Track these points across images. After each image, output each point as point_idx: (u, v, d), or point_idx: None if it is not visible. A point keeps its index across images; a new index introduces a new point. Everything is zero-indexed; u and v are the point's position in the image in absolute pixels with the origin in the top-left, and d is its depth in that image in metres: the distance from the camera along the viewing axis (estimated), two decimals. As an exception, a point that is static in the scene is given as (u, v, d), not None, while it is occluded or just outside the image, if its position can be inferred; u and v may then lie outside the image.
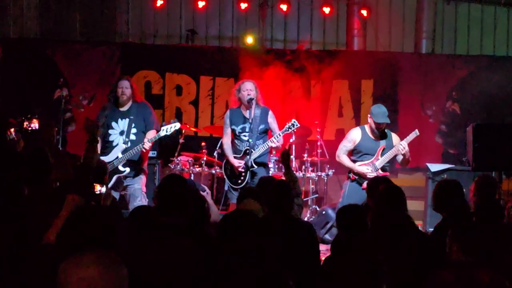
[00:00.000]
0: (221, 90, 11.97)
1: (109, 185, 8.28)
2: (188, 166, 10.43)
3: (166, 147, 10.81)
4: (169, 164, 10.39)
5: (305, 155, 10.70)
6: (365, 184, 8.20)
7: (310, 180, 10.79)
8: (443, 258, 4.15)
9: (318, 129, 10.94)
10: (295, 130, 8.69)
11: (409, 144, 8.62)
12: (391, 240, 4.84)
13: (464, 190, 5.91)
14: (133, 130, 8.51)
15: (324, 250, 7.35)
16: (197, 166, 10.50)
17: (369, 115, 8.72)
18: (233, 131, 8.71)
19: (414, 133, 8.58)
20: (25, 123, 7.74)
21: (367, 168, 8.49)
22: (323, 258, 5.31)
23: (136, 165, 8.51)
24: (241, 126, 8.65)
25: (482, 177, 6.70)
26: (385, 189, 5.63)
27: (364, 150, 8.61)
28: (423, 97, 12.25)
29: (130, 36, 13.05)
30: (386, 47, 13.07)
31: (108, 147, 8.50)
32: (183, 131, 10.46)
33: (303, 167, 10.66)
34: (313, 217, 10.23)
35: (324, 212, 9.84)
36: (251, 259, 3.53)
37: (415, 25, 13.04)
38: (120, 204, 8.21)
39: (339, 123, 12.06)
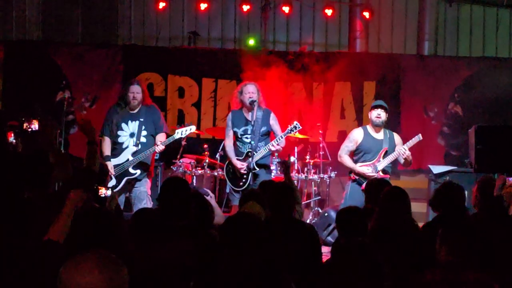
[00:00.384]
0: (224, 92, 11.96)
1: (119, 187, 8.30)
2: (190, 168, 10.43)
3: (168, 150, 10.79)
4: (171, 167, 10.39)
5: (308, 157, 10.69)
6: (367, 181, 8.24)
7: (313, 182, 10.78)
8: (430, 257, 4.15)
9: (320, 131, 10.93)
10: (297, 132, 8.68)
11: (412, 146, 8.63)
12: (394, 243, 4.83)
13: (466, 192, 5.90)
14: (143, 133, 8.49)
15: (326, 252, 7.33)
16: (200, 168, 10.50)
17: (369, 112, 8.83)
18: (235, 133, 8.71)
19: (417, 138, 8.61)
20: (25, 124, 7.74)
21: (368, 169, 8.50)
22: (325, 260, 5.31)
23: (145, 167, 8.51)
24: (243, 128, 8.65)
25: (484, 178, 6.69)
26: (390, 192, 5.62)
27: (366, 150, 8.63)
28: (426, 99, 12.23)
29: (132, 38, 13.05)
30: (388, 49, 13.07)
31: (117, 149, 8.49)
32: (186, 133, 10.46)
33: (306, 169, 10.66)
34: (315, 219, 10.21)
35: (326, 214, 9.83)
36: (254, 261, 3.54)
37: (417, 27, 13.03)
38: (124, 207, 8.24)
39: (341, 125, 12.05)
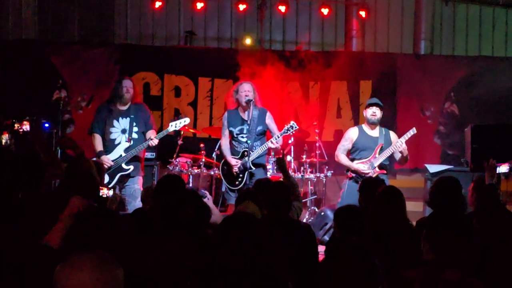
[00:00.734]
0: (220, 92, 11.96)
1: (112, 184, 8.31)
2: (186, 168, 10.42)
3: (165, 149, 10.80)
4: (167, 166, 10.38)
5: (304, 156, 10.70)
6: (361, 180, 8.26)
7: (309, 181, 10.78)
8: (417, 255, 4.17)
9: (316, 130, 10.94)
10: (293, 132, 8.68)
11: (408, 145, 8.63)
12: (388, 243, 4.83)
13: (463, 191, 5.90)
14: (135, 129, 8.53)
15: (323, 251, 7.33)
16: (196, 167, 10.50)
17: (363, 111, 8.85)
18: (231, 132, 8.70)
19: (412, 131, 8.60)
20: (16, 125, 7.76)
21: (364, 166, 8.51)
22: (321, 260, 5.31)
23: (138, 164, 8.57)
24: (239, 127, 8.65)
25: (481, 177, 6.69)
26: (384, 192, 5.62)
27: (362, 147, 8.64)
28: (422, 98, 12.25)
29: (128, 37, 13.05)
30: (384, 48, 13.08)
31: (110, 145, 8.50)
32: (182, 132, 10.46)
33: (302, 168, 10.66)
34: (312, 218, 10.22)
35: (322, 213, 9.83)
36: (250, 260, 3.54)
37: (414, 26, 13.06)
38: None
39: (338, 124, 12.05)
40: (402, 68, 12.32)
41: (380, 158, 8.54)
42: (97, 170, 7.11)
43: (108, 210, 4.94)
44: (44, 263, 3.49)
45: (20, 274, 3.53)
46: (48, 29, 12.69)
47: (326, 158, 10.69)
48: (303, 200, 10.50)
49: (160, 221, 4.43)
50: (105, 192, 5.45)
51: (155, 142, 8.42)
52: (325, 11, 12.57)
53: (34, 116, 8.18)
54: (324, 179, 10.66)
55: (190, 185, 10.41)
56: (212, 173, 10.48)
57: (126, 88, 8.57)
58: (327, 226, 9.48)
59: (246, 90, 8.60)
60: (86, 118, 10.58)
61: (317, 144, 10.77)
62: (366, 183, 6.51)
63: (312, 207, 10.64)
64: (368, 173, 8.40)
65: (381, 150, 8.57)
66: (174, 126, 8.61)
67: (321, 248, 5.75)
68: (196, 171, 10.43)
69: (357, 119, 11.80)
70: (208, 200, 6.47)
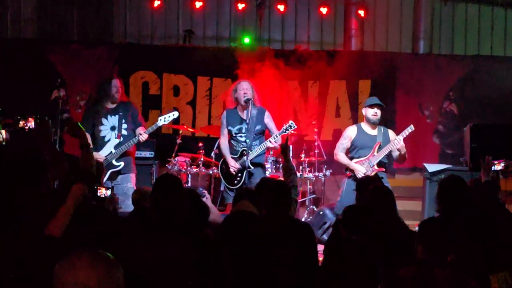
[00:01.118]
0: (219, 91, 11.96)
1: (104, 181, 8.32)
2: (185, 167, 10.41)
3: (164, 148, 10.80)
4: (166, 165, 10.38)
5: (303, 155, 10.69)
6: (359, 179, 8.27)
7: (308, 181, 10.78)
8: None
9: (315, 130, 10.93)
10: (292, 131, 8.67)
11: (406, 144, 8.63)
12: (378, 241, 4.83)
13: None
14: (124, 126, 8.59)
15: (322, 250, 7.34)
16: (195, 166, 10.49)
17: (363, 109, 8.81)
18: (229, 132, 8.70)
19: (409, 128, 8.58)
20: (21, 122, 7.73)
21: (362, 164, 8.50)
22: (321, 259, 5.31)
23: (129, 160, 8.62)
24: (237, 127, 8.65)
25: (477, 179, 6.70)
26: (373, 189, 5.66)
27: (360, 145, 8.63)
28: (421, 97, 12.25)
29: (127, 36, 13.05)
30: (383, 47, 13.09)
31: (100, 143, 8.56)
32: (181, 131, 10.46)
33: (301, 167, 10.65)
34: (311, 217, 10.22)
35: (321, 213, 9.83)
36: (252, 260, 3.54)
37: (413, 25, 13.06)
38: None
39: (337, 123, 12.05)
40: (401, 67, 12.32)
41: (379, 156, 8.53)
42: (100, 170, 7.16)
43: (107, 210, 4.94)
44: (47, 253, 3.49)
45: (22, 264, 3.54)
46: (47, 28, 12.68)
47: (325, 157, 10.69)
48: (302, 200, 10.53)
49: (158, 221, 4.43)
50: (103, 192, 5.43)
51: (144, 137, 8.45)
52: (324, 10, 12.58)
53: (38, 114, 8.16)
54: (323, 178, 10.65)
55: (189, 184, 10.41)
56: (211, 172, 10.47)
57: (116, 88, 8.66)
58: (326, 225, 9.49)
59: (245, 88, 8.60)
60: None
61: (316, 143, 10.77)
62: (363, 184, 6.52)
63: (311, 206, 10.64)
64: (363, 173, 8.40)
65: (379, 148, 8.56)
66: (163, 120, 8.65)
67: (320, 247, 5.75)
68: (194, 170, 10.43)
69: (356, 118, 11.79)
70: (207, 199, 6.47)
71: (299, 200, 10.53)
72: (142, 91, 11.92)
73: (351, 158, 8.66)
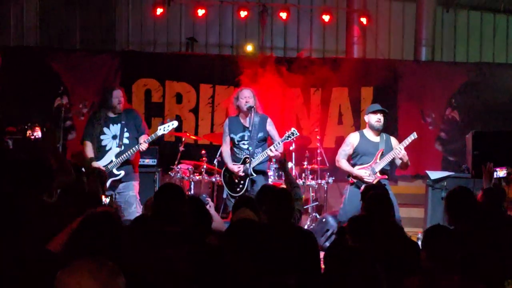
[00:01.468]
0: (221, 98, 11.97)
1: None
2: (188, 174, 10.42)
3: (166, 155, 10.81)
4: (169, 172, 10.38)
5: (305, 162, 10.69)
6: (363, 187, 8.26)
7: (310, 188, 10.78)
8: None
9: (318, 137, 10.93)
10: (294, 139, 8.66)
11: (409, 152, 8.61)
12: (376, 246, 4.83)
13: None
14: (126, 135, 8.55)
15: (323, 257, 7.35)
16: (197, 174, 10.49)
17: (365, 116, 8.78)
18: (232, 139, 8.70)
19: (412, 136, 8.55)
20: (28, 132, 7.75)
21: (365, 172, 8.48)
22: (323, 266, 5.31)
23: (130, 169, 8.57)
24: (240, 134, 8.64)
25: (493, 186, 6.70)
26: (369, 198, 5.69)
27: (363, 152, 8.59)
28: (423, 105, 12.26)
29: (130, 44, 13.08)
30: (385, 54, 13.11)
31: (101, 151, 8.53)
32: (183, 139, 10.47)
33: (303, 174, 10.65)
34: (313, 224, 10.21)
35: (324, 220, 9.82)
36: (256, 267, 3.55)
37: (415, 33, 13.07)
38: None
39: (339, 130, 12.06)
40: (403, 74, 12.33)
41: (381, 164, 8.51)
42: (100, 178, 7.15)
43: (114, 218, 4.95)
44: (44, 267, 3.49)
45: (20, 277, 3.54)
46: (50, 36, 12.72)
47: (328, 165, 10.69)
48: (305, 207, 10.52)
49: (160, 229, 4.44)
50: (103, 199, 5.45)
51: (144, 146, 8.41)
52: (326, 17, 12.60)
53: (44, 123, 8.18)
54: (326, 186, 10.64)
55: (192, 191, 10.41)
56: (214, 179, 10.47)
57: (118, 99, 8.61)
58: (329, 233, 9.47)
59: (246, 96, 8.59)
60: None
61: (319, 151, 10.76)
62: (366, 191, 6.51)
63: (314, 214, 10.64)
64: (368, 179, 8.38)
65: (382, 155, 8.55)
66: (162, 129, 8.59)
67: (323, 255, 5.76)
68: (197, 177, 10.43)
69: (358, 126, 11.78)
70: (210, 207, 6.47)
71: (301, 208, 10.55)
72: (145, 99, 11.93)
73: (353, 165, 8.63)
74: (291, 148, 10.53)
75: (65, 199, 5.01)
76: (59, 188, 5.30)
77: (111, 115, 8.62)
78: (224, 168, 8.85)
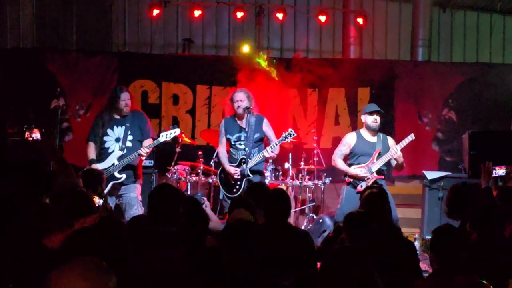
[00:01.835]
0: (218, 99, 11.95)
1: (105, 191, 8.29)
2: (185, 175, 10.42)
3: (163, 156, 10.80)
4: (166, 173, 10.38)
5: (302, 163, 10.68)
6: (359, 187, 8.26)
7: (307, 189, 10.76)
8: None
9: (314, 137, 10.93)
10: (291, 139, 8.66)
11: (406, 152, 8.63)
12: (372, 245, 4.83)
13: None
14: (129, 137, 8.50)
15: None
16: (194, 175, 10.49)
17: (362, 116, 8.77)
18: (228, 140, 8.70)
19: (410, 137, 8.56)
20: (27, 133, 7.74)
21: (361, 170, 8.48)
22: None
23: (132, 172, 8.51)
24: (236, 135, 8.64)
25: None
26: (364, 198, 5.70)
27: (360, 152, 8.60)
28: (420, 105, 12.25)
29: (126, 45, 13.09)
30: (382, 55, 13.12)
31: (104, 153, 8.48)
32: (180, 140, 10.46)
33: (300, 175, 10.65)
34: (310, 225, 10.21)
35: (321, 220, 9.82)
36: (254, 267, 3.55)
37: (411, 33, 13.07)
38: (115, 213, 8.21)
39: (336, 131, 12.04)
40: (400, 75, 12.31)
41: (378, 164, 8.52)
42: (99, 179, 7.15)
43: (115, 219, 4.95)
44: (40, 262, 3.50)
45: (21, 270, 3.55)
46: (46, 37, 12.70)
47: (324, 165, 10.67)
48: (302, 208, 10.53)
49: (155, 229, 4.44)
50: (96, 201, 5.44)
51: (144, 152, 8.37)
52: (322, 18, 12.60)
53: (41, 124, 8.18)
54: (322, 186, 10.63)
55: (189, 192, 10.41)
56: (210, 180, 10.46)
57: (125, 102, 8.54)
58: (326, 233, 9.47)
59: (239, 99, 8.58)
60: (84, 126, 10.54)
61: (315, 151, 10.75)
62: (364, 191, 6.51)
63: (310, 214, 10.62)
64: (366, 178, 8.39)
65: (379, 155, 8.56)
66: (164, 136, 8.54)
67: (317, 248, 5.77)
68: (194, 178, 10.43)
69: (355, 126, 11.77)
70: (206, 207, 6.47)
71: (298, 208, 10.55)
72: (142, 100, 11.91)
73: (350, 165, 8.64)
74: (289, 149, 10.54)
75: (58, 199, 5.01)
76: (61, 190, 5.31)
77: (117, 116, 8.57)
78: (220, 169, 8.85)
